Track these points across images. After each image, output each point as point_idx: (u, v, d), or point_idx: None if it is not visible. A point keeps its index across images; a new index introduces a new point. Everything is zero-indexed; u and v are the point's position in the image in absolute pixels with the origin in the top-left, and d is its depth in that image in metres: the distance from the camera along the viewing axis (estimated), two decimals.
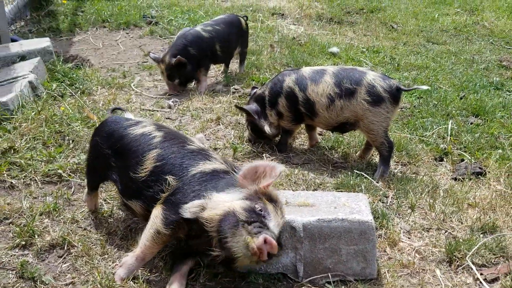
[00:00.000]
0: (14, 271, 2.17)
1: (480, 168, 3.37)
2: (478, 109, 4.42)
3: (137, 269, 2.20)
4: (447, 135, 3.85)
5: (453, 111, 4.36)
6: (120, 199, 2.51)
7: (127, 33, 6.60)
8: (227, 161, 2.36)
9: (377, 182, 3.06)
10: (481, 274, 2.24)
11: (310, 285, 2.19)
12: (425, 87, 3.36)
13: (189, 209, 2.06)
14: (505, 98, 4.86)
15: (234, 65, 5.42)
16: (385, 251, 2.42)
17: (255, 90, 3.75)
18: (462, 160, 3.53)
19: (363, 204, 2.32)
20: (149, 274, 2.24)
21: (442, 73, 5.54)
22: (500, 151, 3.65)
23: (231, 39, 4.86)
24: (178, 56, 4.42)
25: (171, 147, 2.35)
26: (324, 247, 2.19)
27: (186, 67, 4.49)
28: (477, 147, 3.73)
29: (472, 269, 2.28)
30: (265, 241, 1.86)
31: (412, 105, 4.53)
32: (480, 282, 2.20)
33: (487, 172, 3.34)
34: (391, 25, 7.59)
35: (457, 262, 2.34)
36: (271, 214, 2.00)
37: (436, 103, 4.56)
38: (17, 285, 2.10)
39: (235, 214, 1.96)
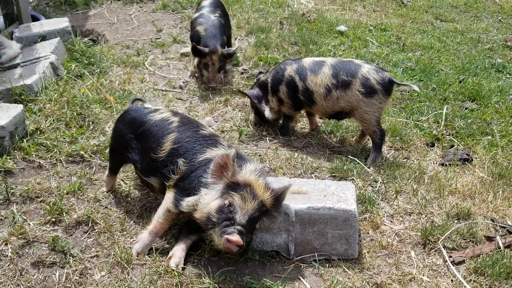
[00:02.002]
0: (47, 244, 2.54)
1: (467, 154, 3.62)
2: (475, 94, 4.61)
3: (151, 243, 2.56)
4: (441, 121, 4.08)
5: (450, 96, 4.57)
6: (139, 177, 2.88)
7: (140, 7, 6.79)
8: (232, 146, 2.67)
9: (369, 168, 3.35)
10: (450, 256, 2.55)
11: (299, 262, 2.53)
12: (415, 87, 3.61)
13: (186, 205, 2.43)
14: (504, 81, 5.02)
15: (243, 42, 5.62)
16: (368, 233, 2.74)
17: (260, 76, 4.00)
18: (452, 146, 3.78)
19: (350, 193, 2.63)
20: (162, 249, 2.59)
21: (446, 53, 5.68)
22: (489, 137, 3.89)
23: (226, 20, 5.04)
24: (238, 46, 4.62)
25: (186, 131, 2.67)
26: (313, 231, 2.52)
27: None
28: (468, 133, 3.97)
29: (442, 252, 2.59)
30: (228, 240, 2.19)
31: (411, 89, 4.74)
32: (448, 264, 2.52)
33: (473, 159, 3.60)
34: (401, 0, 7.63)
35: (430, 245, 2.65)
36: (237, 207, 2.29)
37: (435, 86, 4.75)
38: (50, 256, 2.47)
39: (210, 218, 2.31)
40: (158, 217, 2.56)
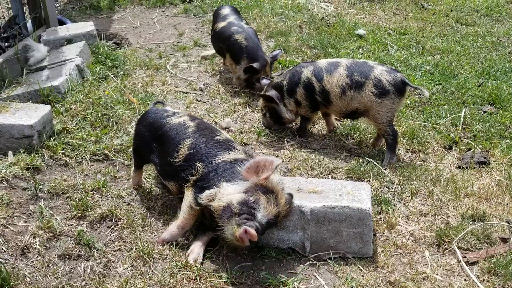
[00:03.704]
0: (73, 238, 2.67)
1: (484, 157, 3.63)
2: (494, 97, 4.61)
3: (178, 236, 2.66)
4: (459, 124, 4.09)
5: (469, 99, 4.57)
6: (159, 178, 2.97)
7: (163, 11, 6.94)
8: (247, 151, 2.76)
9: (385, 169, 3.39)
10: (464, 257, 2.58)
11: (315, 260, 2.60)
12: (426, 93, 3.60)
13: (203, 198, 2.52)
14: None
15: (263, 46, 5.70)
16: (383, 233, 2.79)
17: (268, 81, 4.05)
18: (470, 149, 3.79)
19: (365, 193, 2.68)
20: (182, 244, 2.69)
21: (466, 57, 5.67)
22: (507, 141, 3.88)
23: None
24: (281, 50, 4.78)
25: (202, 137, 2.77)
26: (328, 229, 2.58)
27: None
28: (486, 136, 3.97)
29: (456, 252, 2.62)
30: (245, 231, 2.26)
31: (429, 92, 4.75)
32: (462, 264, 2.55)
33: (491, 162, 3.60)
34: (421, 4, 7.63)
35: (444, 245, 2.69)
36: (261, 206, 2.37)
37: (454, 90, 4.76)
38: (76, 249, 2.59)
39: (230, 207, 2.38)
40: (183, 213, 2.66)
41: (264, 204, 2.38)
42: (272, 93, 3.92)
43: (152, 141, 2.92)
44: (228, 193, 2.44)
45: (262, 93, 3.97)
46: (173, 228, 2.67)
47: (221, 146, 2.72)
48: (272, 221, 2.42)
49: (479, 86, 4.87)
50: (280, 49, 4.86)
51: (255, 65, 4.42)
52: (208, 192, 2.52)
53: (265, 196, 2.39)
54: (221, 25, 4.81)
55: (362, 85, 3.46)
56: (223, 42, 4.71)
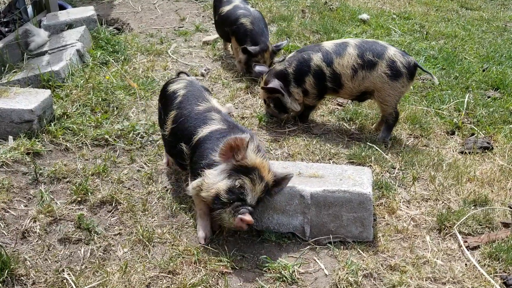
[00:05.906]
0: (73, 222, 2.67)
1: (488, 143, 3.59)
2: (498, 82, 4.55)
3: (207, 223, 2.58)
4: (463, 109, 4.05)
5: (473, 84, 4.52)
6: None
7: None
8: (227, 120, 2.68)
9: (387, 154, 3.36)
10: (465, 241, 2.56)
11: (314, 244, 2.59)
12: (435, 80, 3.70)
13: (191, 188, 2.49)
14: None
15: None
16: (384, 218, 2.77)
17: (262, 68, 3.93)
18: (473, 134, 3.76)
19: (366, 178, 2.66)
20: (181, 227, 2.69)
21: (470, 42, 5.60)
22: (511, 126, 3.84)
23: None
24: (288, 40, 4.70)
25: (183, 109, 2.76)
26: (328, 213, 2.57)
27: None
28: (490, 121, 3.93)
29: (457, 237, 2.61)
30: (241, 220, 2.31)
31: (431, 79, 4.69)
32: (463, 248, 2.53)
33: (494, 147, 3.57)
34: None
35: (446, 230, 2.67)
36: (248, 189, 2.37)
37: (458, 75, 4.70)
38: (76, 233, 2.59)
39: (219, 197, 2.36)
40: (195, 200, 2.60)
41: (249, 186, 2.38)
42: (276, 83, 3.67)
43: (161, 108, 2.99)
44: (212, 182, 2.39)
45: (264, 84, 3.74)
46: (199, 223, 2.59)
47: (198, 119, 2.65)
48: (262, 196, 2.45)
49: (484, 71, 4.81)
50: (287, 39, 4.81)
51: (251, 48, 4.38)
52: (194, 184, 2.47)
53: (248, 176, 2.37)
54: (226, 8, 4.76)
55: (374, 64, 3.38)
56: (229, 25, 4.64)
